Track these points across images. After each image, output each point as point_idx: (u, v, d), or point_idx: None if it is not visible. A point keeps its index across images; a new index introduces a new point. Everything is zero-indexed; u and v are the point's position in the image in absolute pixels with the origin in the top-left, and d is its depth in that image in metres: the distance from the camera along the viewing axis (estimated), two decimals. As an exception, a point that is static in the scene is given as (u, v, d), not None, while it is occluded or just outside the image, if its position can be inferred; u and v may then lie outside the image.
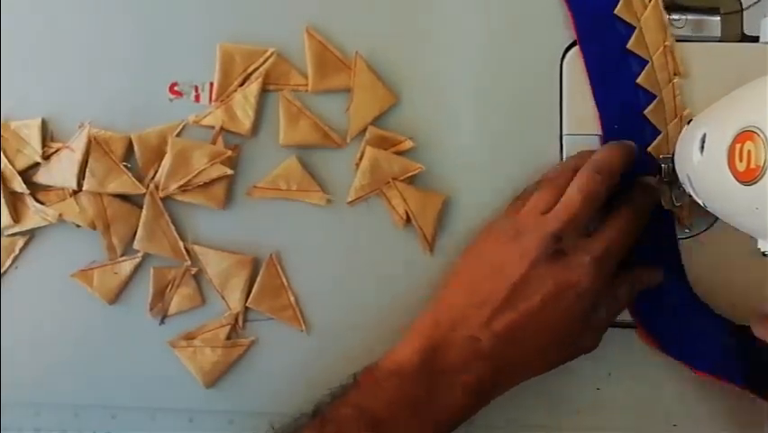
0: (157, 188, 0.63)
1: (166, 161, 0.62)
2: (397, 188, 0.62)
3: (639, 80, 0.60)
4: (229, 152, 0.63)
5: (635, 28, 0.60)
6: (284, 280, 0.64)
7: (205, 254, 0.64)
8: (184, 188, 0.63)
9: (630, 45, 0.60)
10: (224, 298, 0.64)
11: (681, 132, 0.55)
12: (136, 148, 0.63)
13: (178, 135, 0.63)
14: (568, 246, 0.54)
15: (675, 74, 0.60)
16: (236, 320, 0.64)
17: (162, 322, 0.65)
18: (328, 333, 0.64)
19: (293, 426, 0.57)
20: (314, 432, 0.54)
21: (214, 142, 0.63)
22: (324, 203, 0.63)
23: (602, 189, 0.55)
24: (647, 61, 0.60)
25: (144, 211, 0.64)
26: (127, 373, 0.65)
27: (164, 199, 0.63)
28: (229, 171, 0.62)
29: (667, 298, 0.60)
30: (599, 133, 0.61)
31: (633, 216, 0.57)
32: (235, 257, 0.64)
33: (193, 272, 0.64)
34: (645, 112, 0.60)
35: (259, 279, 0.64)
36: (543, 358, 0.56)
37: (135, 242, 0.64)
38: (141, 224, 0.64)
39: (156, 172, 0.63)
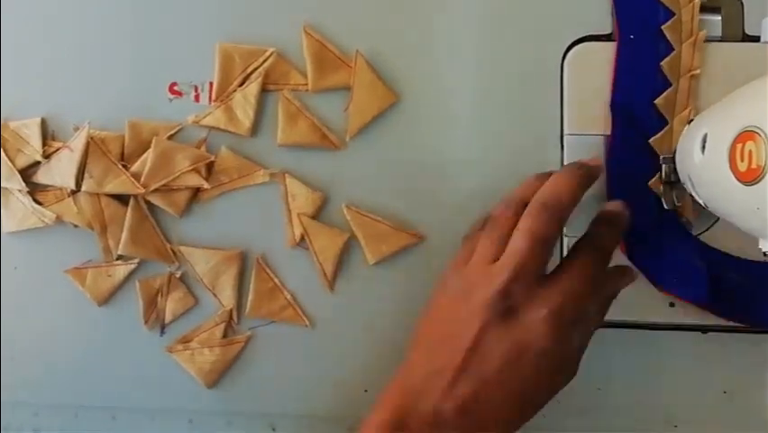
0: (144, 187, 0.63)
1: (148, 160, 0.63)
2: (301, 222, 0.63)
3: (663, 63, 0.59)
4: (211, 158, 0.63)
5: (674, 14, 0.59)
6: (276, 280, 0.64)
7: (191, 254, 0.64)
8: (163, 189, 0.63)
9: (665, 27, 0.59)
10: (215, 295, 0.64)
11: (684, 129, 0.55)
12: (126, 135, 0.63)
13: (171, 137, 0.63)
14: (518, 302, 0.49)
15: (694, 68, 0.60)
16: (230, 316, 0.64)
17: (163, 333, 0.65)
18: (327, 331, 0.64)
19: None
20: None
21: (198, 147, 0.63)
22: (269, 179, 0.63)
23: (552, 230, 0.50)
24: (673, 49, 0.59)
25: (129, 214, 0.64)
26: (127, 374, 0.65)
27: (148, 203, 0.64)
28: (206, 185, 0.63)
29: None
30: (601, 133, 0.61)
31: (592, 256, 0.52)
32: (222, 253, 0.64)
33: (178, 276, 0.65)
34: (656, 101, 0.59)
35: (252, 286, 0.64)
36: (514, 420, 0.51)
37: (121, 246, 0.63)
38: (125, 228, 0.64)
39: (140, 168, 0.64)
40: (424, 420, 0.50)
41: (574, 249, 0.53)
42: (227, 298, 0.64)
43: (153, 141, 0.62)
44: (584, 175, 0.52)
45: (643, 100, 0.60)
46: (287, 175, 0.63)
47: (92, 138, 0.63)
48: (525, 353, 0.49)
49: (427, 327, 0.54)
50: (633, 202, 0.56)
